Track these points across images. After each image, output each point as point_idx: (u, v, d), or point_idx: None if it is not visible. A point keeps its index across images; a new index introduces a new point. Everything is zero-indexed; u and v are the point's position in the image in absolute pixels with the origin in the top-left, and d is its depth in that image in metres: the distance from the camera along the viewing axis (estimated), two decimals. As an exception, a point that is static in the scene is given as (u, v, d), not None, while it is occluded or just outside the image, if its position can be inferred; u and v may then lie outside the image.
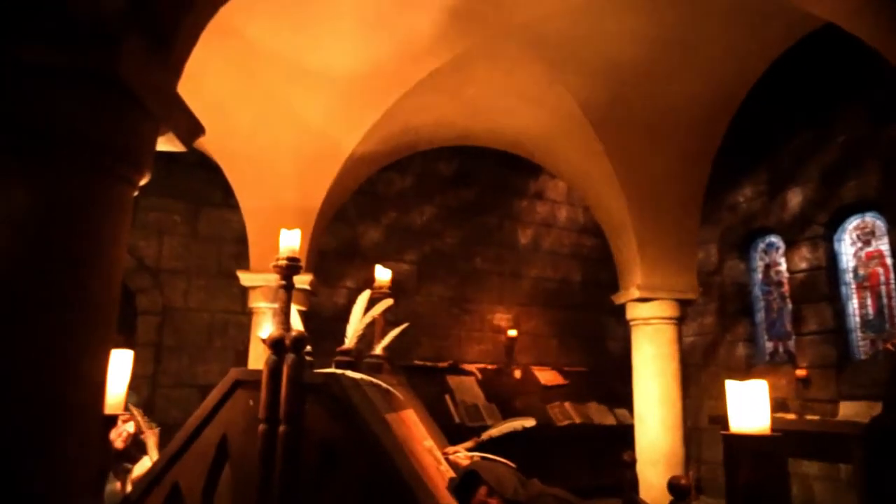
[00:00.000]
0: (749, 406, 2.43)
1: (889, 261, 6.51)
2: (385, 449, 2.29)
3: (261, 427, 2.22)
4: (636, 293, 5.34)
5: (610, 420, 8.03)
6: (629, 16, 4.25)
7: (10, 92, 1.53)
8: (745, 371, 7.95)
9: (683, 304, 5.46)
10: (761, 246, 8.08)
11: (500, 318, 8.51)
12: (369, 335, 3.36)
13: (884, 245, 6.57)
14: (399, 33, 4.51)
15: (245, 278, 5.55)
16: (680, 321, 5.48)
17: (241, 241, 5.79)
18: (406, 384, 3.46)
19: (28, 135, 1.54)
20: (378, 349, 3.30)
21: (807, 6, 3.12)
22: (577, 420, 7.75)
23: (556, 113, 5.15)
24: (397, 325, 3.42)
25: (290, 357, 2.33)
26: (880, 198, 6.42)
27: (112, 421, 2.21)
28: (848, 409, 6.56)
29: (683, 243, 5.43)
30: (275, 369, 2.31)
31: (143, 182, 1.87)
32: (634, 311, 5.48)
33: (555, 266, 9.02)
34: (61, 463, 1.53)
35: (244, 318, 5.83)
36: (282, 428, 2.22)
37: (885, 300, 6.61)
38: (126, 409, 2.51)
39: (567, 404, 7.89)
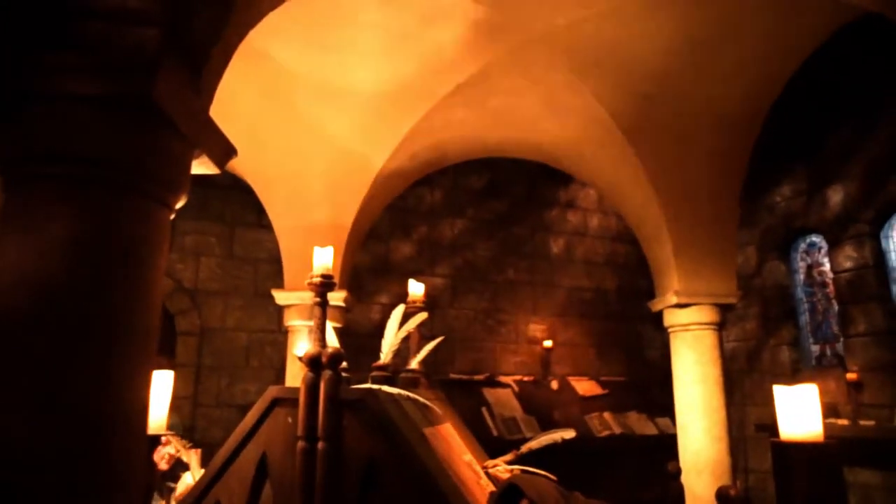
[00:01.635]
0: (799, 412, 2.33)
1: (942, 256, 6.25)
2: (424, 464, 2.27)
3: (300, 444, 2.22)
4: (673, 299, 5.23)
5: (651, 430, 7.85)
6: (654, 18, 4.20)
7: (51, 119, 1.58)
8: (790, 376, 7.69)
9: (723, 308, 5.33)
10: (802, 246, 7.84)
11: (535, 329, 8.42)
12: (405, 350, 3.36)
13: (935, 240, 6.32)
14: (423, 49, 4.55)
15: (280, 297, 5.62)
16: (720, 326, 5.35)
17: (276, 260, 5.87)
18: (443, 398, 3.44)
19: (67, 161, 1.59)
20: (414, 363, 3.29)
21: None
22: (618, 430, 7.60)
23: (585, 120, 5.11)
24: (432, 339, 3.41)
25: (326, 374, 2.34)
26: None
27: (156, 441, 2.25)
28: (907, 414, 6.28)
29: (721, 246, 5.31)
30: (312, 386, 2.31)
31: (179, 205, 1.90)
32: (672, 318, 5.36)
33: (589, 275, 8.91)
34: (109, 481, 1.55)
35: (280, 336, 5.90)
36: (320, 445, 2.22)
37: (938, 298, 6.34)
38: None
39: (606, 414, 7.74)
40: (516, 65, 4.73)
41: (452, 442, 2.95)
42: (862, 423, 6.52)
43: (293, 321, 5.54)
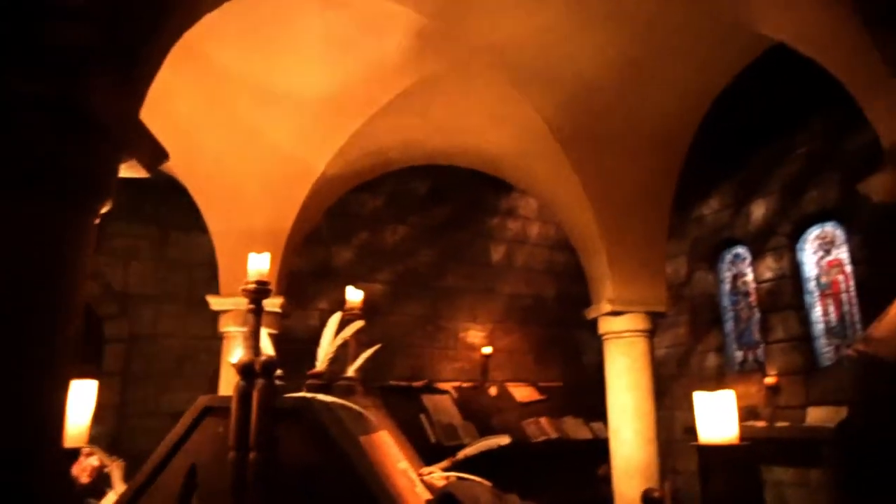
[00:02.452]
0: (717, 416, 2.47)
1: (848, 269, 6.69)
2: (359, 473, 2.27)
3: (231, 455, 2.18)
4: (608, 307, 5.40)
5: (586, 434, 8.05)
6: (593, 35, 4.34)
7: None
8: (716, 380, 8.05)
9: (655, 316, 5.54)
10: (728, 257, 8.25)
11: (475, 335, 8.51)
12: (343, 357, 3.34)
13: (843, 254, 6.76)
14: (366, 56, 4.55)
15: (215, 302, 5.48)
16: (652, 334, 5.56)
17: (212, 264, 5.71)
18: (380, 405, 3.44)
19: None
20: (350, 371, 3.28)
21: (765, 30, 3.25)
22: (554, 435, 7.75)
23: (525, 131, 5.23)
24: (371, 345, 3.41)
25: (259, 382, 2.31)
26: (839, 208, 6.62)
27: (74, 454, 2.16)
28: (815, 415, 6.69)
29: (653, 257, 5.52)
30: (244, 395, 2.28)
31: (105, 209, 1.84)
32: (607, 325, 5.54)
33: (528, 282, 9.06)
34: (22, 497, 1.48)
35: (216, 343, 5.74)
36: (252, 455, 2.19)
37: (846, 307, 6.78)
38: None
39: (543, 420, 7.90)
40: (458, 75, 4.79)
41: (388, 450, 2.95)
42: (778, 424, 6.90)
43: (229, 327, 5.41)
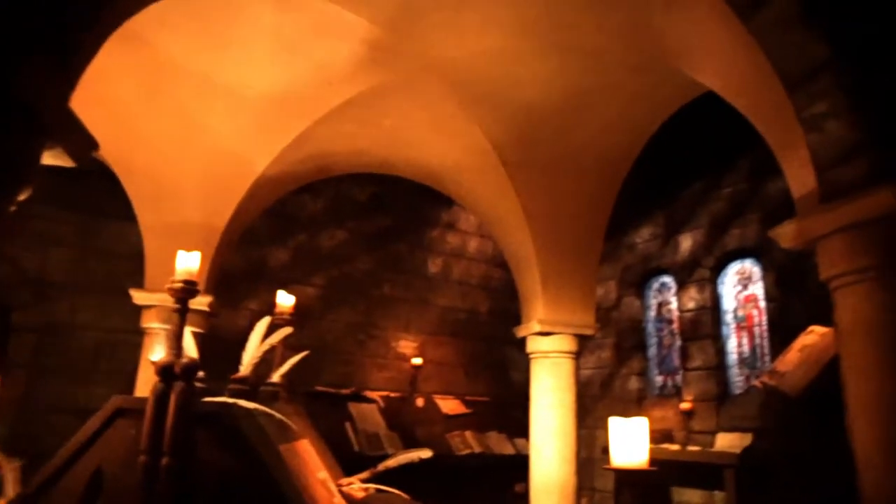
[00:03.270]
0: (630, 441, 2.58)
1: (762, 304, 7.11)
2: (277, 482, 2.24)
3: (141, 459, 2.11)
4: (537, 327, 5.53)
5: (509, 449, 8.16)
6: (541, 63, 4.47)
7: None
8: (637, 403, 8.35)
9: (581, 338, 5.70)
10: (655, 285, 8.59)
11: (407, 345, 8.51)
12: (270, 361, 3.29)
13: (759, 290, 7.18)
14: (316, 59, 4.52)
15: (139, 297, 5.27)
16: (578, 355, 5.72)
17: (139, 257, 5.50)
18: (303, 413, 3.40)
19: None
20: (275, 377, 3.23)
21: (698, 77, 3.44)
22: (477, 449, 7.83)
23: (469, 149, 5.31)
24: (301, 349, 3.38)
25: (178, 385, 2.25)
26: (757, 246, 7.02)
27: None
28: (724, 441, 7.02)
29: (584, 281, 5.69)
30: (161, 397, 2.21)
31: (22, 197, 1.76)
32: (535, 345, 5.66)
33: (463, 296, 9.15)
34: None
35: (137, 338, 5.51)
36: (165, 461, 2.13)
37: (758, 340, 7.19)
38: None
39: (468, 433, 7.96)
40: (408, 88, 4.82)
41: (308, 459, 2.92)
42: (690, 447, 7.21)
43: (152, 324, 5.21)
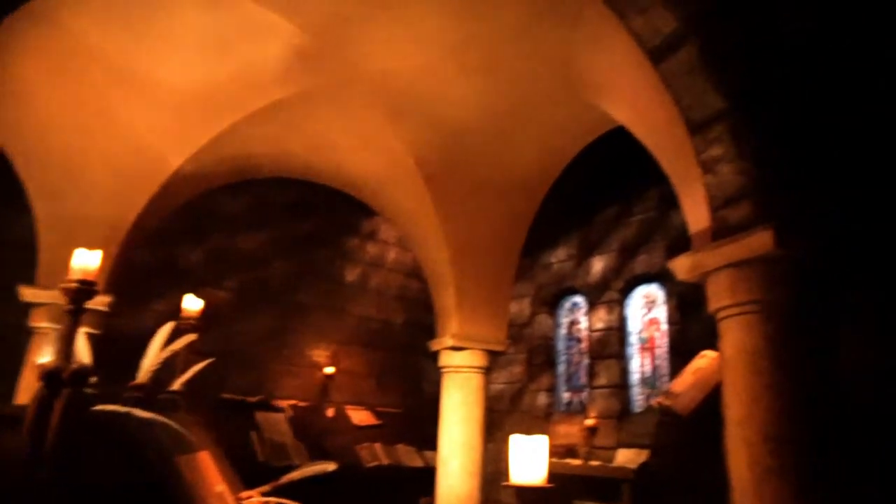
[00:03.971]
0: (530, 459, 2.67)
1: (664, 327, 7.52)
2: (172, 496, 2.17)
3: (19, 472, 1.98)
4: (450, 342, 5.60)
5: (418, 462, 8.18)
6: (468, 84, 4.58)
7: None
8: (544, 419, 8.59)
9: (493, 354, 5.83)
10: (568, 304, 8.90)
11: (319, 354, 8.38)
12: (174, 367, 3.17)
13: (662, 313, 7.59)
14: (242, 59, 4.42)
15: (28, 293, 4.92)
16: (488, 371, 5.83)
17: (30, 248, 5.12)
18: (202, 423, 3.29)
19: None
20: (176, 384, 3.11)
21: (611, 112, 3.65)
22: (386, 461, 7.80)
23: (393, 162, 5.34)
24: (211, 355, 3.28)
25: (65, 392, 2.12)
26: (662, 272, 7.43)
27: None
28: (623, 456, 7.36)
29: (498, 298, 5.83)
30: (44, 405, 2.08)
31: None
32: (447, 359, 5.73)
33: (379, 306, 9.12)
34: None
35: (23, 337, 5.12)
36: (46, 473, 2.00)
37: (659, 361, 7.59)
38: None
39: (377, 445, 7.92)
40: (335, 97, 4.81)
41: (206, 471, 2.83)
42: (591, 462, 7.49)
43: (42, 323, 4.88)
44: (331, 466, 3.38)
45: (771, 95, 2.47)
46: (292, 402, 7.76)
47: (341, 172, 5.92)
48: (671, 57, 2.69)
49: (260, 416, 7.10)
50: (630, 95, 3.26)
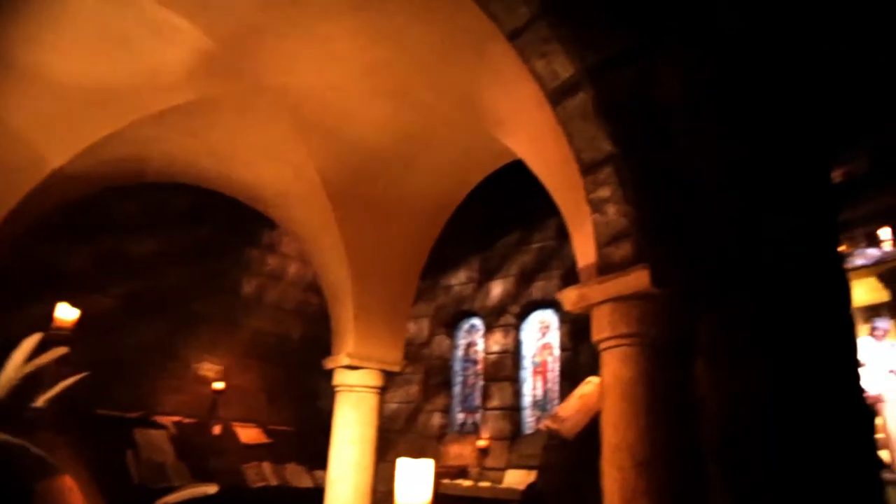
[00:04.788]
0: (415, 482, 2.69)
1: (556, 352, 7.84)
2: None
3: None
4: (346, 360, 5.54)
5: (307, 482, 7.97)
6: (377, 106, 4.61)
7: None
8: (438, 439, 8.66)
9: (388, 374, 5.82)
10: (466, 326, 9.06)
11: (210, 368, 8.01)
12: (43, 382, 2.94)
13: (555, 339, 7.91)
14: (142, 58, 4.22)
15: None
16: (383, 390, 5.81)
17: None
18: (71, 443, 3.07)
19: None
20: (40, 401, 2.89)
21: (510, 145, 3.81)
22: (274, 482, 7.54)
23: (297, 176, 5.26)
24: (90, 366, 3.07)
25: None
26: (556, 299, 7.75)
27: None
28: (512, 477, 7.54)
29: (396, 318, 5.84)
30: None
31: None
32: (342, 378, 5.66)
33: (277, 320, 8.88)
34: None
35: None
36: None
37: (550, 384, 7.89)
38: None
39: (265, 465, 7.65)
40: (240, 107, 4.69)
41: (68, 497, 2.64)
42: (481, 483, 7.62)
43: None
44: (212, 489, 3.25)
45: (652, 147, 2.69)
46: (177, 418, 7.35)
47: (243, 183, 5.75)
48: (567, 100, 2.86)
49: (139, 433, 6.67)
50: (529, 132, 3.43)
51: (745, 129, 2.87)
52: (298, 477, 7.93)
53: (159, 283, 7.65)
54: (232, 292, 8.42)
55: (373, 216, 5.38)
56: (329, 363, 5.81)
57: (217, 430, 7.70)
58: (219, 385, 7.90)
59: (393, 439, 8.74)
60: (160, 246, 7.71)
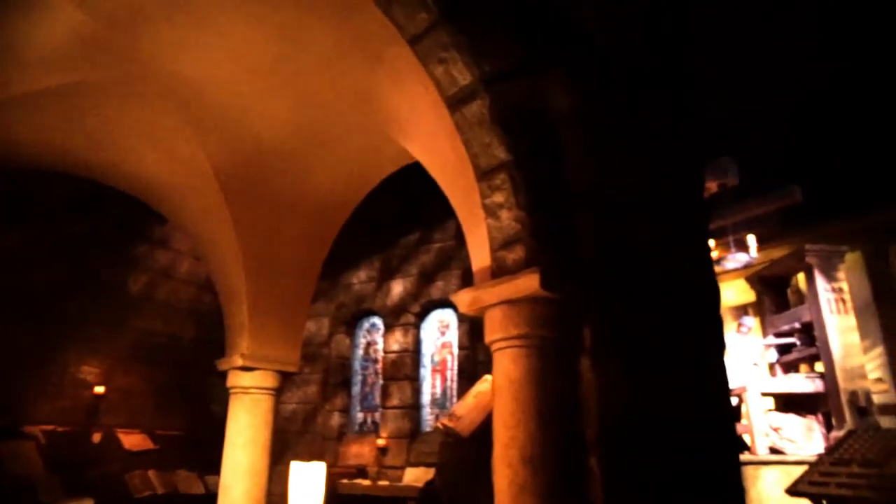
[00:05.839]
0: (308, 485, 2.66)
1: (455, 351, 7.98)
2: None
3: None
4: (240, 361, 5.35)
5: (199, 489, 7.65)
6: (276, 102, 4.48)
7: None
8: (337, 439, 8.56)
9: (285, 375, 5.68)
10: (366, 325, 9.02)
11: (89, 371, 7.49)
12: None
13: (454, 338, 8.05)
14: (9, 33, 3.86)
15: None
16: (278, 392, 5.66)
17: None
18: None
19: None
20: None
21: (409, 149, 3.84)
22: (161, 490, 7.17)
23: (189, 170, 5.01)
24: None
25: None
26: (456, 299, 7.91)
27: None
28: (411, 475, 7.61)
29: (293, 318, 5.70)
30: None
31: None
32: (236, 380, 5.46)
33: (167, 320, 8.43)
34: None
35: None
36: None
37: (449, 383, 8.02)
38: None
39: (151, 473, 7.25)
40: (126, 93, 4.40)
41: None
42: (380, 482, 7.63)
43: None
44: (86, 503, 3.04)
45: (544, 157, 2.81)
46: (49, 427, 6.80)
47: (130, 174, 5.40)
48: (465, 107, 2.92)
49: (2, 446, 6.10)
50: (427, 136, 3.46)
51: (626, 144, 3.06)
52: (189, 484, 7.58)
53: (30, 279, 7.04)
54: (116, 290, 7.89)
55: (270, 213, 5.22)
56: (222, 364, 5.58)
57: (97, 437, 7.21)
58: (99, 389, 7.40)
59: (291, 441, 8.55)
60: (32, 238, 7.09)
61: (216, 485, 7.53)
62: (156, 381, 8.19)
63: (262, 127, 4.68)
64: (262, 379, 5.45)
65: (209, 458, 7.82)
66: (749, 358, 7.57)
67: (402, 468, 7.85)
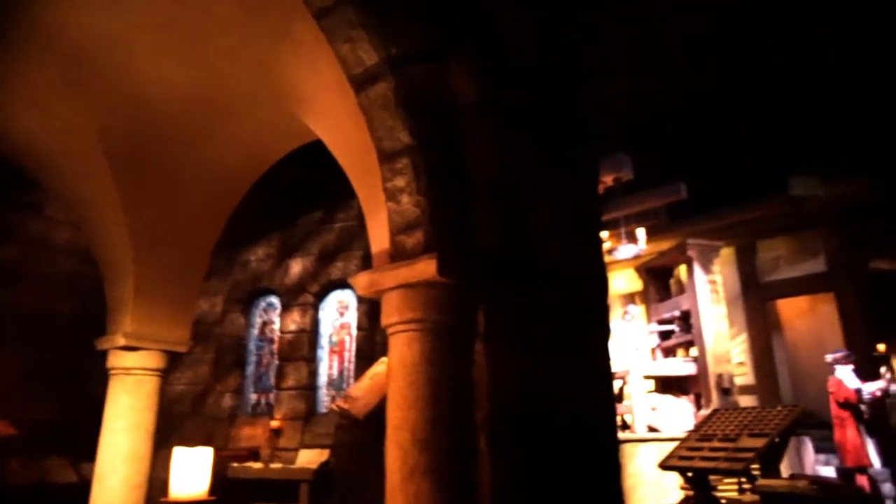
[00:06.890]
0: (192, 472, 2.55)
1: (353, 332, 7.93)
2: None
3: None
4: (122, 341, 5.03)
5: (71, 477, 7.14)
6: (172, 67, 4.20)
7: None
8: (228, 421, 8.28)
9: (172, 355, 5.41)
10: (262, 304, 8.75)
11: (-60, 350, 6.76)
12: None
13: (352, 319, 7.99)
14: None
15: None
16: (165, 373, 5.40)
17: None
18: None
19: None
20: None
21: (312, 127, 3.74)
22: (25, 480, 6.63)
23: (69, 132, 4.61)
24: None
25: None
26: (357, 280, 7.84)
27: None
28: (305, 457, 7.51)
29: (183, 296, 5.43)
30: None
31: None
32: (117, 360, 5.14)
33: (40, 294, 7.74)
34: None
35: None
36: None
37: (346, 364, 7.97)
38: None
39: (14, 462, 6.69)
40: (-6, 44, 3.97)
41: None
42: (273, 465, 7.47)
43: None
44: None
45: (446, 144, 2.83)
46: None
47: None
48: (370, 88, 2.88)
49: None
50: (331, 115, 3.39)
51: (526, 134, 3.15)
52: (60, 472, 7.07)
53: None
54: (-22, 260, 7.16)
55: (160, 183, 4.91)
56: (102, 343, 5.23)
57: (-53, 424, 6.55)
58: (-46, 369, 6.71)
59: (179, 424, 8.17)
60: None
61: (90, 472, 7.09)
62: (25, 362, 7.51)
63: (153, 91, 4.38)
64: (147, 359, 5.16)
65: (86, 444, 7.32)
66: (632, 343, 8.08)
67: (296, 450, 7.74)
